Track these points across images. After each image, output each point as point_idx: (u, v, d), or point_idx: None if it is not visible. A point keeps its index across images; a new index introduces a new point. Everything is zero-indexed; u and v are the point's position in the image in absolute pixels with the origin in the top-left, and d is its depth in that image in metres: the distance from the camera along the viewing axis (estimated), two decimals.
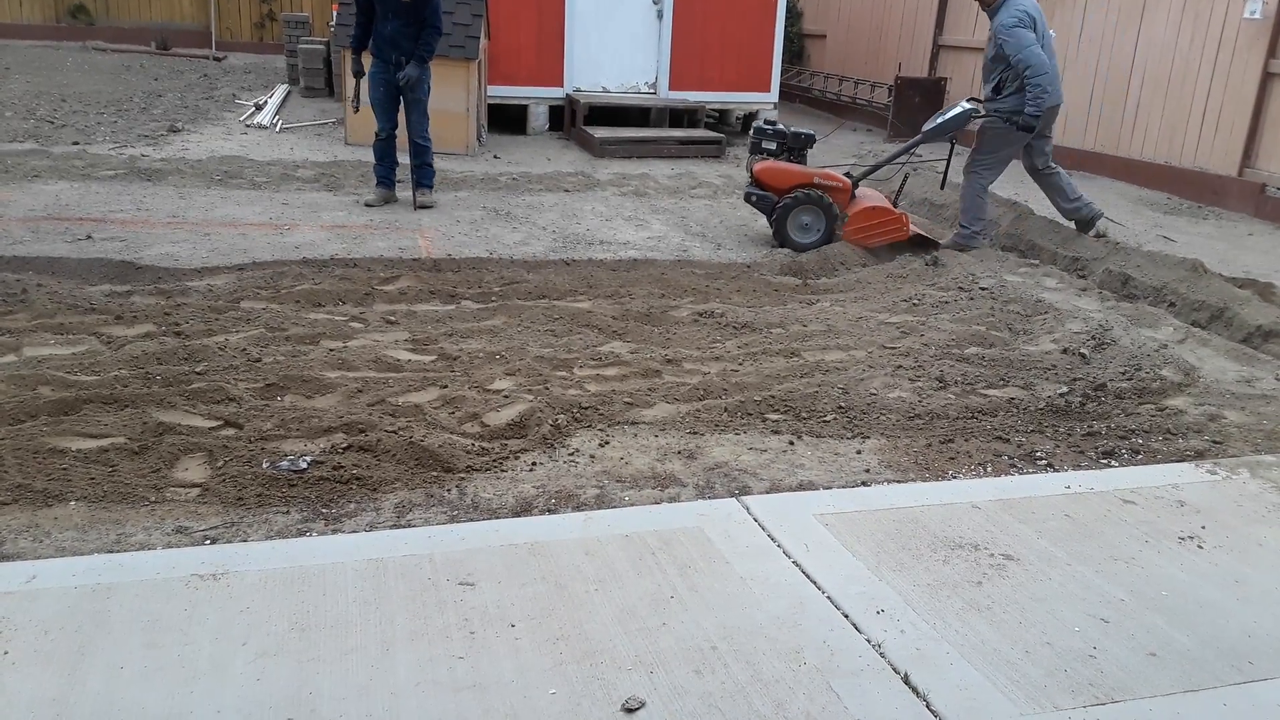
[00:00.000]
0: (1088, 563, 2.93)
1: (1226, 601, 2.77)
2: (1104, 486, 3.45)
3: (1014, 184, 9.32)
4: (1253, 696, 2.37)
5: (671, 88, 11.48)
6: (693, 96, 11.38)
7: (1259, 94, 8.48)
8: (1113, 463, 3.77)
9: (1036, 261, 6.77)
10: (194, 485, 3.19)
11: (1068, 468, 3.70)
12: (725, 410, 4.00)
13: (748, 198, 6.91)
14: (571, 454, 3.58)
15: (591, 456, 3.57)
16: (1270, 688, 2.40)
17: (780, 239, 6.78)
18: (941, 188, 7.38)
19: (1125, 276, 6.12)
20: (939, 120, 6.77)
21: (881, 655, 2.44)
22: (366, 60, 7.19)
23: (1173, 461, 3.75)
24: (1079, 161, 10.30)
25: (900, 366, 4.58)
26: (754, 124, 6.36)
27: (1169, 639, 2.58)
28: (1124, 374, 4.62)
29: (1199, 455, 3.82)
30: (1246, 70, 8.58)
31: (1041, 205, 8.27)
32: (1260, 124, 8.55)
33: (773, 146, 6.82)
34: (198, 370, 4.02)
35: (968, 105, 6.74)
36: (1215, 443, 3.96)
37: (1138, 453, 3.86)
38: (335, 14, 10.12)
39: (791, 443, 3.78)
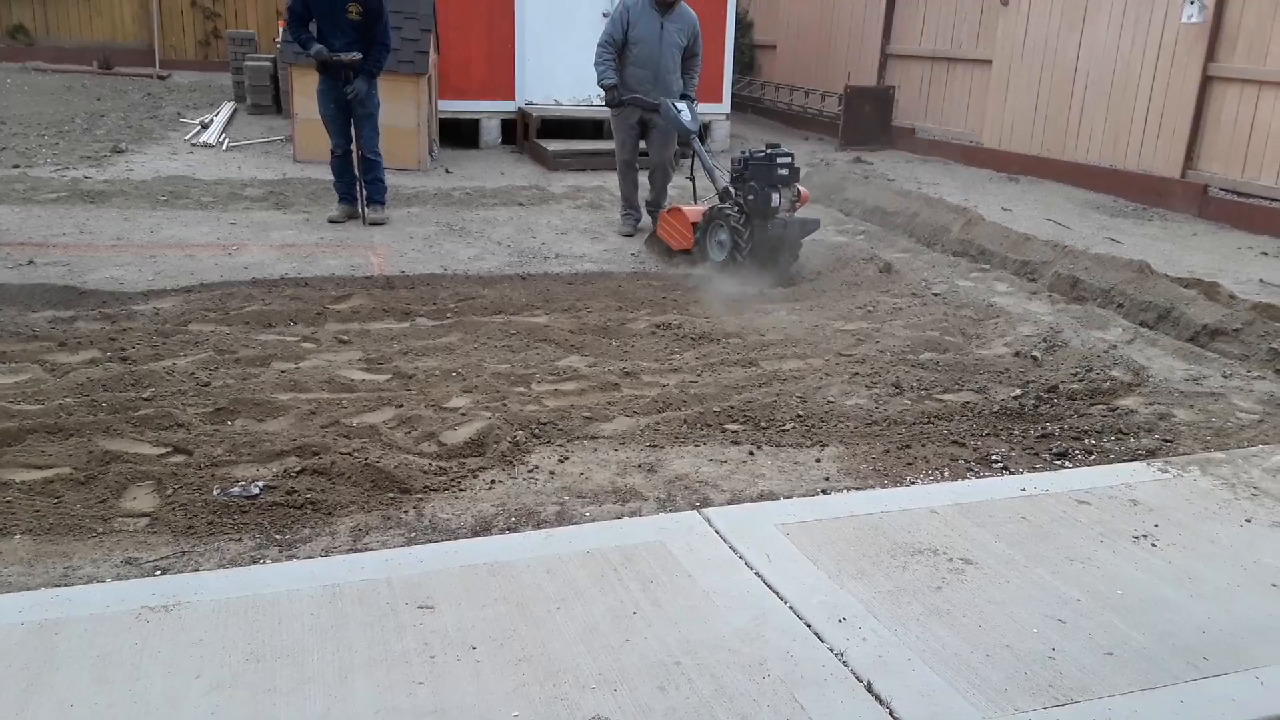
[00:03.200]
0: (1044, 564, 2.96)
1: (1181, 599, 2.81)
2: (1058, 488, 3.49)
3: (964, 190, 9.46)
4: (1208, 693, 2.40)
5: None
6: None
7: (1199, 97, 8.69)
8: (1066, 464, 3.82)
9: (987, 266, 6.86)
10: (143, 515, 3.12)
11: (1023, 470, 3.74)
12: (685, 422, 3.99)
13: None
14: (531, 471, 3.55)
15: (551, 473, 3.54)
16: (1225, 684, 2.44)
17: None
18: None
19: (1074, 279, 6.22)
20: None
21: (844, 664, 2.44)
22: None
23: (1125, 461, 3.81)
24: (1025, 166, 10.48)
25: (857, 374, 4.61)
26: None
27: (1126, 638, 2.61)
28: (1075, 375, 4.69)
29: (1150, 454, 3.89)
30: (1186, 74, 8.79)
31: (991, 211, 8.40)
32: (1201, 126, 8.76)
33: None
34: (145, 396, 3.93)
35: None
36: (1166, 441, 4.03)
37: (1091, 453, 3.91)
38: (281, 30, 10.02)
39: (751, 453, 3.79)
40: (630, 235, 7.49)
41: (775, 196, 6.03)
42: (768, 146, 6.19)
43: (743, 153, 6.28)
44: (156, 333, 4.68)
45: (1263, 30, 8.21)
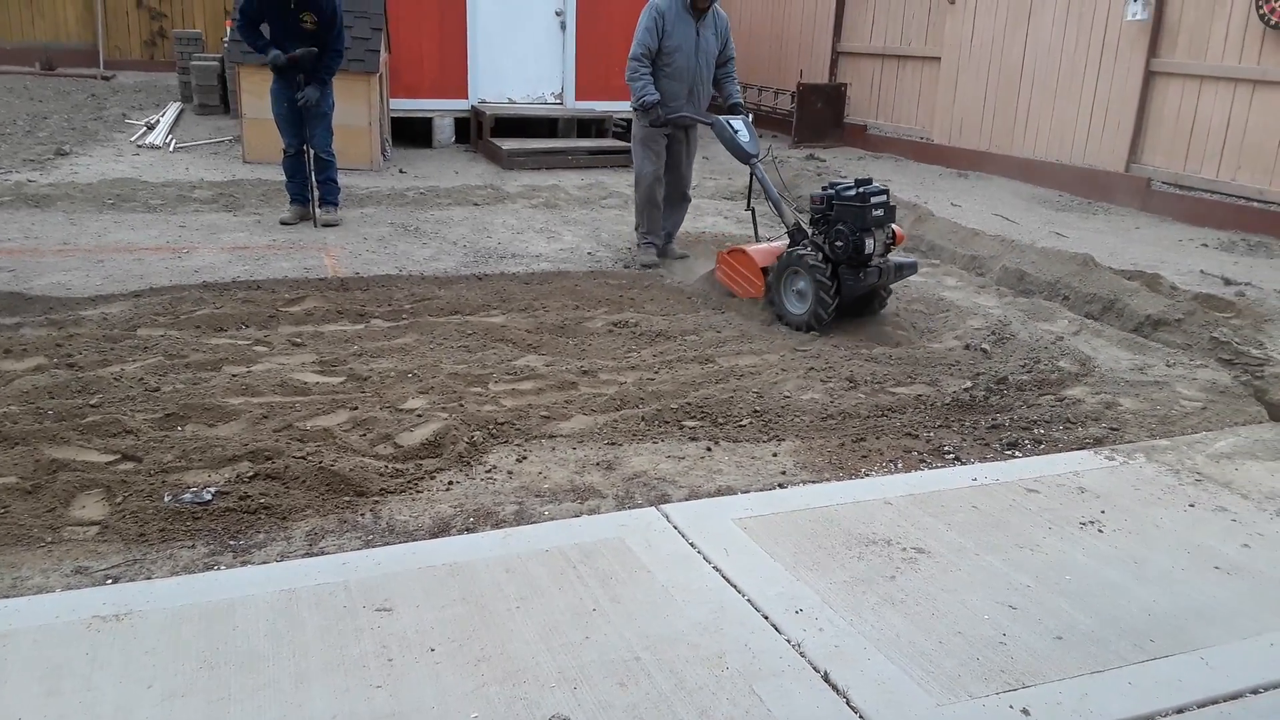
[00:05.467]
0: (995, 552, 3.02)
1: (1127, 582, 2.88)
2: (1008, 477, 3.56)
3: (914, 187, 9.58)
4: (1155, 674, 2.46)
5: (578, 98, 11.48)
6: (600, 106, 11.41)
7: (1142, 92, 8.88)
8: (1016, 453, 3.89)
9: (937, 261, 6.96)
10: (92, 523, 3.06)
11: (974, 460, 3.80)
12: (643, 419, 4.01)
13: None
14: (489, 471, 3.54)
15: (509, 472, 3.54)
16: (1171, 664, 2.50)
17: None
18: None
19: (1021, 273, 6.34)
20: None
21: (801, 655, 2.47)
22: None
23: (1073, 450, 3.89)
24: (974, 162, 10.64)
25: (812, 368, 4.66)
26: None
27: (1074, 622, 2.67)
28: (1024, 367, 4.78)
29: (1097, 442, 3.97)
30: (1130, 70, 8.97)
31: (941, 206, 8.52)
32: (1144, 121, 8.94)
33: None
34: (93, 403, 3.86)
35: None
36: (1112, 429, 4.12)
37: (1040, 443, 3.99)
38: (229, 30, 9.88)
39: (709, 448, 3.81)
40: (655, 265, 6.61)
41: (869, 242, 5.05)
42: (857, 182, 5.17)
43: (825, 188, 5.30)
44: (104, 338, 4.60)
45: (1202, 26, 8.41)
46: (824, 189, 5.31)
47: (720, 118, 6.09)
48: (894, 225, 5.27)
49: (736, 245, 5.95)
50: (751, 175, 6.02)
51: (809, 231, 5.42)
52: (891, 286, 5.55)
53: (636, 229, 6.85)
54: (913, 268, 5.44)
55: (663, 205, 6.72)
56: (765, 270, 5.51)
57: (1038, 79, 9.93)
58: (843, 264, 5.14)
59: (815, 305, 5.18)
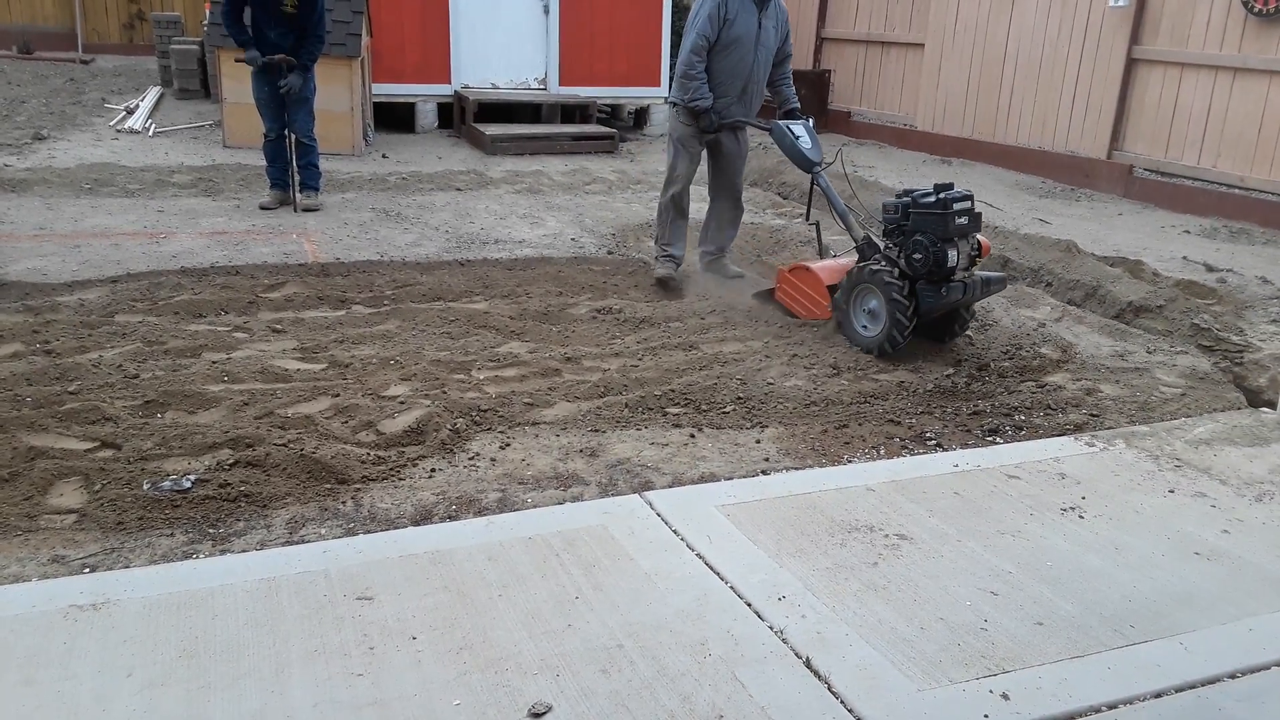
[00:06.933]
0: (977, 538, 3.03)
1: (1107, 568, 2.90)
2: (990, 463, 3.57)
3: (898, 174, 9.58)
4: (1134, 659, 2.48)
5: (562, 83, 11.42)
6: (584, 92, 11.35)
7: (1124, 79, 8.90)
8: (997, 440, 3.90)
9: None
10: (70, 511, 3.03)
11: (955, 446, 3.82)
12: (626, 406, 4.00)
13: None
14: (471, 458, 3.53)
15: (492, 460, 3.53)
16: (1150, 649, 2.52)
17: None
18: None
19: (1004, 259, 6.35)
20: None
21: (784, 641, 2.47)
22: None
23: (1053, 436, 3.91)
24: (957, 149, 10.65)
25: (795, 355, 4.66)
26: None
27: (1055, 608, 2.68)
28: (1006, 353, 4.79)
29: (1078, 429, 3.99)
30: (1112, 56, 8.99)
31: None
32: (1126, 108, 8.97)
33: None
34: (70, 390, 3.82)
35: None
36: (1093, 416, 4.14)
37: (1021, 429, 4.00)
38: (208, 13, 9.76)
39: (693, 435, 3.81)
40: (671, 278, 5.81)
41: (952, 254, 4.53)
42: (936, 188, 4.66)
43: (900, 196, 4.79)
44: (82, 324, 4.55)
45: (1184, 13, 8.43)
46: (898, 196, 4.81)
47: (779, 122, 5.44)
48: (979, 235, 4.75)
49: (799, 262, 5.36)
50: (812, 184, 5.37)
51: (881, 245, 4.90)
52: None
53: (655, 240, 5.97)
54: (1001, 283, 4.86)
55: (713, 216, 5.96)
56: (832, 289, 4.98)
57: (1021, 66, 9.94)
58: (921, 279, 4.61)
59: (890, 326, 4.62)
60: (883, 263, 4.75)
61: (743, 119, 5.56)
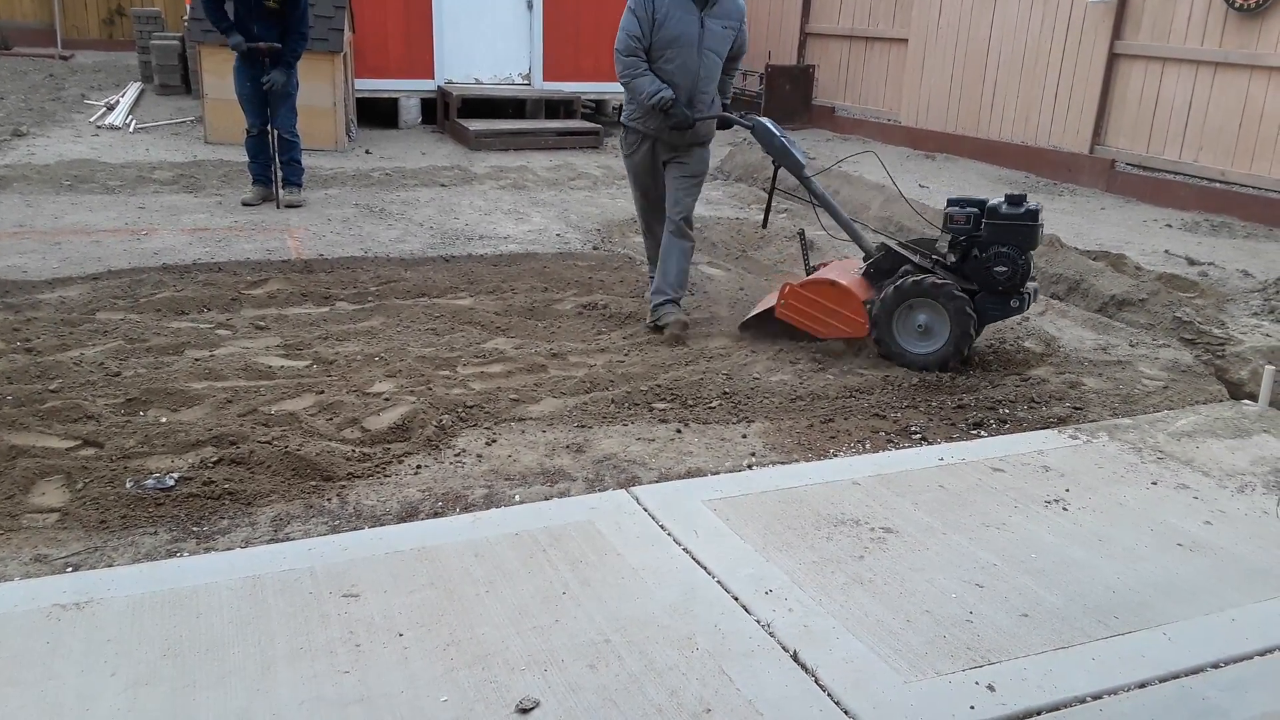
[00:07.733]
0: (962, 531, 3.04)
1: (1091, 560, 2.92)
2: (974, 456, 3.58)
3: (878, 167, 9.60)
4: (1118, 649, 2.49)
5: (546, 78, 11.40)
6: (568, 87, 11.33)
7: (1106, 74, 8.95)
8: (982, 433, 3.92)
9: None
10: (52, 510, 3.01)
11: (940, 440, 3.83)
12: (612, 401, 4.00)
13: None
14: (457, 454, 3.52)
15: (478, 456, 3.52)
16: (1134, 640, 2.54)
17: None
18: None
19: None
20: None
21: (771, 635, 2.47)
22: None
23: (1037, 429, 3.93)
24: (941, 144, 10.69)
25: (781, 350, 4.66)
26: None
27: (1039, 599, 2.70)
28: (990, 347, 4.81)
29: (1061, 421, 4.01)
30: (1094, 52, 9.04)
31: (908, 188, 8.55)
32: (1108, 103, 9.03)
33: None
34: (52, 388, 3.79)
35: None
36: (1076, 409, 4.16)
37: (1005, 422, 4.02)
38: (189, 8, 9.69)
39: (679, 430, 3.81)
40: (682, 322, 4.93)
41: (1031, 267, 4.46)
42: (1009, 199, 4.43)
43: (964, 206, 4.47)
44: (63, 322, 4.51)
45: (1166, 8, 8.49)
46: (963, 205, 4.49)
47: (761, 120, 5.08)
48: None
49: (814, 276, 4.78)
50: (773, 184, 5.14)
51: (903, 253, 4.61)
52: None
53: (650, 275, 5.35)
54: (1037, 294, 4.73)
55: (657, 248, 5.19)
56: (867, 304, 4.61)
57: (1004, 61, 9.98)
58: (984, 291, 4.43)
59: (957, 340, 4.41)
60: (942, 274, 4.50)
61: (732, 116, 5.13)
